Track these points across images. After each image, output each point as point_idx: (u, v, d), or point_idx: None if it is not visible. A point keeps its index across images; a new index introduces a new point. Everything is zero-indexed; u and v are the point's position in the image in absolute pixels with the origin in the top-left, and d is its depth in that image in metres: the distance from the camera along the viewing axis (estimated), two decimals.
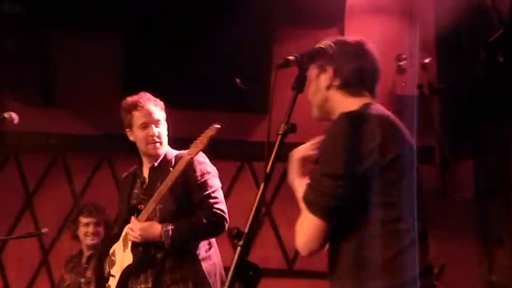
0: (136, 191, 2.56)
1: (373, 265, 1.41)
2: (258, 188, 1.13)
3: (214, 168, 2.55)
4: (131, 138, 2.55)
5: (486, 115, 3.47)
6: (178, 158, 2.49)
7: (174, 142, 3.87)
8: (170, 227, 2.35)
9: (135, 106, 2.51)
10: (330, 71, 1.57)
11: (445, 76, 3.82)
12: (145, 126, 2.49)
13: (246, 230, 0.99)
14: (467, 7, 3.54)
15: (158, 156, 2.53)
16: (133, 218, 2.42)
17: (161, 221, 2.40)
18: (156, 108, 2.54)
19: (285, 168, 4.42)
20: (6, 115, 2.34)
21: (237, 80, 3.71)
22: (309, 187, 1.45)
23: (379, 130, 1.43)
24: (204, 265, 2.42)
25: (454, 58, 3.75)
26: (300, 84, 1.23)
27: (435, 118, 3.75)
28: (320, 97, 1.60)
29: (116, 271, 2.46)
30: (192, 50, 3.76)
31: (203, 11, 3.78)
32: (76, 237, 3.28)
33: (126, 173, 2.69)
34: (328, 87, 1.58)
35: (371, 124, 1.44)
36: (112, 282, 2.46)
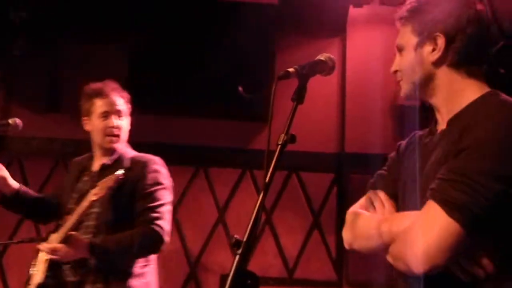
0: (80, 185, 2.33)
1: None
2: (259, 196, 1.14)
3: (169, 180, 2.34)
4: (87, 128, 2.35)
5: None
6: (135, 161, 2.29)
7: (180, 149, 3.92)
8: (96, 244, 2.12)
9: (99, 93, 2.31)
10: (440, 41, 1.25)
11: None
12: (106, 116, 2.29)
13: (244, 239, 1.01)
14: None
15: (112, 151, 2.31)
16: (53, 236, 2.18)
17: (95, 230, 2.19)
18: (121, 100, 2.34)
19: (285, 177, 4.43)
20: (10, 121, 2.36)
21: (240, 89, 3.74)
22: (454, 181, 1.11)
23: None
24: (134, 283, 2.19)
25: None
26: (299, 96, 1.24)
27: None
28: (423, 73, 1.28)
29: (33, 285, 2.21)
30: (195, 59, 3.80)
31: (207, 20, 3.82)
32: None
33: (78, 158, 2.46)
34: (438, 63, 1.26)
35: None
36: None
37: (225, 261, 3.88)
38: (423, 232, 1.12)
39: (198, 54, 3.80)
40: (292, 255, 3.90)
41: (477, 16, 1.26)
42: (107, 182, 2.11)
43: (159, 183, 2.27)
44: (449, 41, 1.24)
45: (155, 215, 2.20)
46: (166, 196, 2.28)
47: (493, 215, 1.10)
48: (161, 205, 2.24)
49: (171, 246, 3.95)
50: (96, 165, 2.35)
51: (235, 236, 1.02)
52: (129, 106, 2.40)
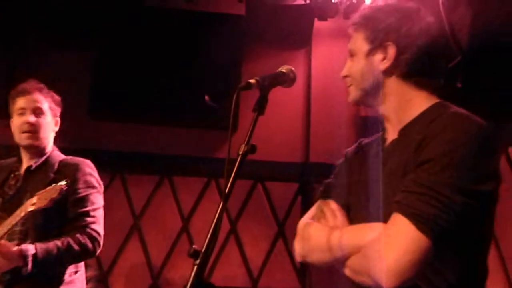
0: (6, 189, 2.22)
1: None
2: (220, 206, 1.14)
3: (101, 183, 2.28)
4: (12, 129, 2.24)
5: (495, 142, 3.59)
6: (62, 165, 2.20)
7: (144, 157, 3.87)
8: (30, 252, 2.00)
9: (20, 92, 2.21)
10: (391, 51, 1.25)
11: None
12: (22, 112, 2.18)
13: (203, 249, 1.00)
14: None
15: (32, 149, 2.20)
16: None
17: (22, 236, 2.07)
18: (43, 98, 2.22)
19: (250, 186, 4.43)
20: None
21: (206, 97, 3.74)
22: (419, 193, 1.11)
23: (496, 147, 1.18)
24: None
25: None
26: (260, 107, 1.25)
27: None
28: (373, 80, 1.28)
29: None
30: (161, 67, 3.78)
31: (174, 29, 3.82)
32: None
33: (5, 161, 2.33)
34: (388, 72, 1.26)
35: (490, 138, 1.17)
36: None
37: (189, 271, 3.86)
38: (391, 245, 1.10)
39: (164, 63, 3.78)
40: (256, 264, 3.90)
41: (428, 29, 1.25)
42: (51, 193, 2.00)
43: (92, 187, 2.21)
44: (399, 52, 1.24)
45: (90, 219, 2.15)
46: (99, 200, 2.23)
47: (457, 227, 1.11)
48: (95, 209, 2.19)
49: (133, 256, 3.92)
50: (22, 168, 2.24)
51: (194, 246, 1.02)
52: (59, 107, 2.29)
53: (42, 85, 2.27)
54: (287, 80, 1.36)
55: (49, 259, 2.04)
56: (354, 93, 1.33)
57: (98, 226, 2.18)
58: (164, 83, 3.76)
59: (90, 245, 2.12)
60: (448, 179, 1.10)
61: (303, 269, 3.91)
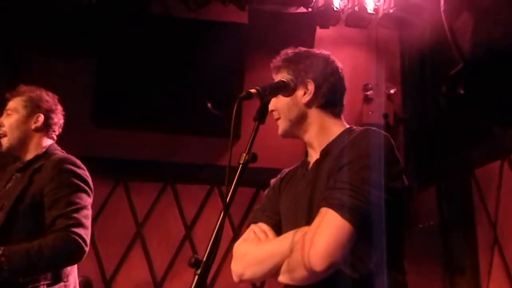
0: (5, 190, 2.14)
1: None
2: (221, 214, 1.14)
3: (87, 180, 2.09)
4: None
5: (448, 144, 3.60)
6: (44, 165, 2.06)
7: (147, 164, 3.87)
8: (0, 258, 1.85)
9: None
10: (310, 87, 1.51)
11: (410, 106, 3.95)
12: None
13: (204, 259, 1.00)
14: (430, 42, 3.71)
15: (11, 151, 2.16)
16: None
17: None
18: (13, 99, 2.20)
19: (253, 194, 4.41)
20: None
21: (209, 105, 3.75)
22: (341, 189, 1.31)
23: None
24: None
25: (418, 89, 3.90)
26: (261, 116, 1.28)
27: (399, 146, 3.86)
28: (297, 113, 1.51)
29: None
30: (164, 75, 3.80)
31: (177, 37, 3.84)
32: None
33: (13, 165, 2.26)
34: (309, 104, 1.51)
35: (394, 147, 1.42)
36: None
37: (192, 279, 3.85)
38: (320, 233, 1.26)
39: (167, 70, 3.80)
40: None
41: (336, 70, 1.55)
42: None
43: (69, 185, 2.01)
44: (317, 87, 1.51)
45: (69, 222, 1.94)
46: (82, 199, 2.02)
47: (374, 216, 1.28)
48: (75, 209, 1.97)
49: (136, 264, 3.91)
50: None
51: (195, 256, 1.02)
52: (41, 103, 2.23)
53: (21, 88, 2.24)
54: (287, 89, 1.42)
55: (20, 265, 1.86)
56: (283, 125, 1.55)
57: (80, 228, 1.96)
58: (167, 91, 3.78)
59: (69, 249, 1.92)
60: (365, 176, 1.30)
61: None
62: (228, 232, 3.83)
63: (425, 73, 3.81)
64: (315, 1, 3.79)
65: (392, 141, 1.42)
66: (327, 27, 3.86)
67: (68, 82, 3.72)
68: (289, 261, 1.32)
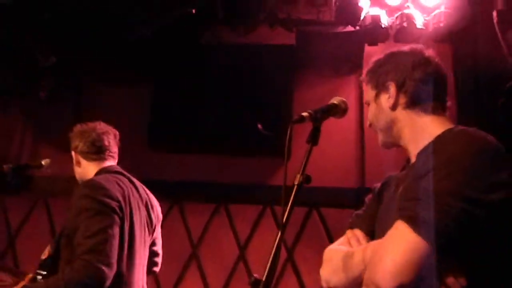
0: None
1: None
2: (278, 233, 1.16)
3: (105, 201, 2.10)
4: None
5: (506, 157, 3.46)
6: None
7: (201, 186, 3.95)
8: None
9: None
10: (391, 88, 1.38)
11: (465, 121, 3.84)
12: None
13: (263, 278, 1.03)
14: (484, 54, 3.61)
15: None
16: None
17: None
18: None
19: (306, 213, 4.39)
20: (43, 162, 2.43)
21: (259, 126, 3.80)
22: (419, 200, 1.15)
23: (507, 162, 1.20)
24: None
25: (474, 103, 3.79)
26: (314, 138, 1.29)
27: None
28: (385, 119, 1.41)
29: None
30: (216, 99, 3.91)
31: (227, 61, 3.95)
32: None
33: None
34: (393, 107, 1.38)
35: (499, 152, 1.20)
36: None
37: None
38: (389, 248, 1.14)
39: (218, 94, 3.91)
40: None
41: (423, 62, 1.39)
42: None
43: (85, 210, 2.06)
44: (399, 87, 1.38)
45: (81, 249, 2.00)
46: (95, 223, 2.04)
47: (458, 234, 1.12)
48: (91, 235, 2.01)
49: (192, 284, 3.98)
50: None
51: (255, 275, 1.05)
52: (73, 141, 2.44)
53: (75, 129, 2.44)
54: (339, 111, 1.43)
55: None
56: (380, 136, 1.46)
57: (94, 253, 1.99)
58: (219, 114, 3.88)
59: (78, 278, 1.97)
60: (449, 186, 1.13)
61: None
62: (281, 252, 3.83)
63: (480, 87, 3.70)
64: (362, 19, 3.79)
65: (496, 144, 1.21)
66: (376, 44, 3.85)
67: (125, 110, 3.91)
68: (366, 275, 1.21)
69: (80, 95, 4.21)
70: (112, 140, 2.44)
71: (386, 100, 1.40)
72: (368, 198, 1.55)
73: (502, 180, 1.16)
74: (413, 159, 1.37)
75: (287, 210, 1.12)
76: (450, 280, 1.14)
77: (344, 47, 3.87)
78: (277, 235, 1.14)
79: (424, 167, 1.21)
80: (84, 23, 3.52)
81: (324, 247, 1.58)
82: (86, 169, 2.38)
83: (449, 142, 1.22)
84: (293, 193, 1.17)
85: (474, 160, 1.16)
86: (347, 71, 4.05)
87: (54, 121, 4.14)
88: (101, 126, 2.45)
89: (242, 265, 3.97)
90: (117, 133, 2.50)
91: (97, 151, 2.37)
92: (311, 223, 3.99)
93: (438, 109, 1.37)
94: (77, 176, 2.43)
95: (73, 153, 2.43)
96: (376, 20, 3.73)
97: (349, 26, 3.89)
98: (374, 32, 3.75)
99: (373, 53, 4.15)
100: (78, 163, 2.40)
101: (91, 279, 1.97)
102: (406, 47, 1.45)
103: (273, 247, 1.14)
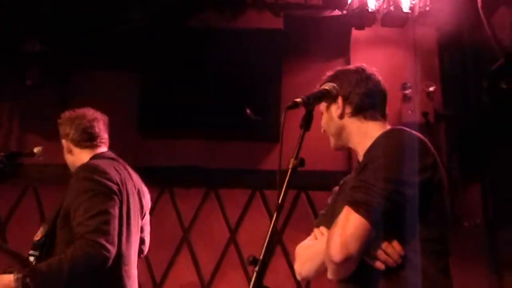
0: None
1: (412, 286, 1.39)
2: (270, 215, 1.21)
3: (105, 183, 2.11)
4: None
5: (492, 140, 3.54)
6: (75, 171, 2.24)
7: (191, 171, 3.98)
8: (21, 276, 1.95)
9: None
10: (339, 100, 1.64)
11: (451, 103, 3.91)
12: None
13: (261, 257, 1.07)
14: (468, 38, 3.66)
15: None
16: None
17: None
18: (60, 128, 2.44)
19: (295, 196, 4.44)
20: (35, 150, 2.43)
21: (248, 111, 3.82)
22: (358, 187, 1.43)
23: (431, 151, 1.49)
24: None
25: (459, 86, 3.85)
26: (307, 123, 1.36)
27: (441, 144, 3.82)
28: (334, 127, 1.67)
29: None
30: (204, 84, 3.91)
31: (215, 46, 3.94)
32: None
33: None
34: (341, 116, 1.65)
35: (423, 143, 1.49)
36: None
37: (238, 281, 3.91)
38: (338, 228, 1.40)
39: (207, 79, 3.91)
40: None
41: (365, 78, 1.67)
42: None
43: (84, 191, 2.07)
44: (345, 99, 1.65)
45: (85, 229, 2.00)
46: (99, 204, 2.06)
47: (393, 210, 1.38)
48: (93, 216, 2.02)
49: (184, 268, 4.03)
50: None
51: (252, 255, 1.09)
52: (64, 127, 2.44)
53: (64, 115, 2.43)
54: (330, 96, 1.49)
55: (39, 281, 1.96)
56: (331, 141, 1.73)
57: (96, 234, 2.00)
58: (207, 99, 3.89)
59: (83, 258, 1.97)
60: (377, 173, 1.41)
61: None
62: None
63: (465, 70, 3.76)
64: (349, 4, 3.81)
65: (419, 137, 1.50)
66: (363, 28, 3.87)
67: (113, 96, 3.89)
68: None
69: (67, 82, 4.17)
70: (102, 126, 2.43)
71: (335, 110, 1.66)
72: (329, 199, 1.82)
73: (426, 164, 1.45)
74: (361, 159, 1.61)
75: (283, 190, 1.17)
76: (390, 249, 1.40)
77: (331, 31, 3.89)
78: (270, 215, 1.18)
79: (365, 161, 1.49)
80: (71, 10, 3.48)
81: (312, 229, 1.65)
82: (79, 157, 2.37)
83: (383, 139, 1.50)
84: (288, 176, 1.21)
85: (403, 150, 1.43)
86: (335, 55, 4.08)
87: (41, 108, 4.11)
88: (91, 112, 2.44)
89: (233, 248, 4.02)
90: (107, 119, 2.49)
91: (89, 138, 2.36)
92: (299, 206, 4.05)
93: (378, 115, 1.66)
94: (69, 164, 2.42)
95: (63, 141, 2.42)
96: (363, 4, 3.75)
97: (337, 10, 3.91)
98: (361, 16, 3.77)
99: (360, 37, 4.20)
100: (70, 151, 2.39)
101: (96, 257, 1.98)
102: (350, 68, 1.72)
103: (267, 227, 1.18)
